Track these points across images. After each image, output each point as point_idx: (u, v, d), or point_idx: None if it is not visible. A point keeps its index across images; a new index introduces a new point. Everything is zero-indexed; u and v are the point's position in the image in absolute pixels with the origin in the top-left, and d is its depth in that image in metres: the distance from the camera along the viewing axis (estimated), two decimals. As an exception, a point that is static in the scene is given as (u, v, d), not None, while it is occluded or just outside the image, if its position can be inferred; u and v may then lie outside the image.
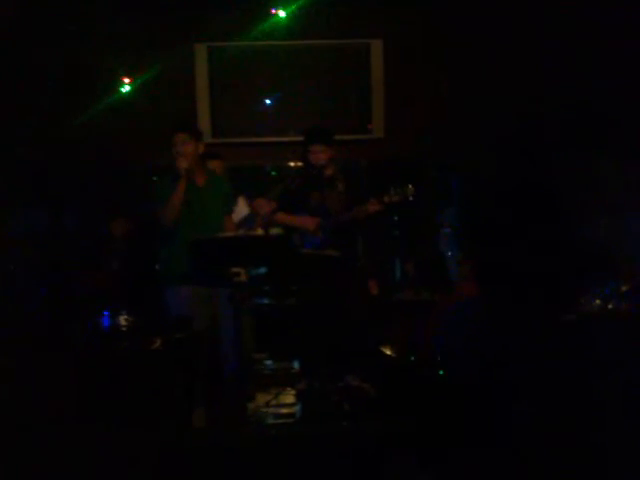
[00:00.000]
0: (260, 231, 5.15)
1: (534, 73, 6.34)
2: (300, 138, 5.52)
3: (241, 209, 5.77)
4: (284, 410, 4.46)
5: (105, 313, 4.69)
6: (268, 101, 6.98)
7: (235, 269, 4.88)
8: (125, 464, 3.83)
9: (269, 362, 5.12)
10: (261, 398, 4.57)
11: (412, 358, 4.61)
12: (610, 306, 4.53)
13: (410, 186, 5.15)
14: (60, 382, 4.27)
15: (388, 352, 5.13)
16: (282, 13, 6.68)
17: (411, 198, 5.15)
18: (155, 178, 4.94)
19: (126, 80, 6.70)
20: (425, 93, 6.87)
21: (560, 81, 6.18)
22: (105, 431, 4.02)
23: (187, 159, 4.77)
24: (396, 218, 5.49)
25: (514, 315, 2.71)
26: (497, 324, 2.65)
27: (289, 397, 4.62)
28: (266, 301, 5.85)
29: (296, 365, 5.03)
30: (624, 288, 4.73)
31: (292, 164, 6.49)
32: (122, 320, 4.66)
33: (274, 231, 5.43)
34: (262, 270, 5.58)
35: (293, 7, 6.68)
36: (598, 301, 4.48)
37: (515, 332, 2.72)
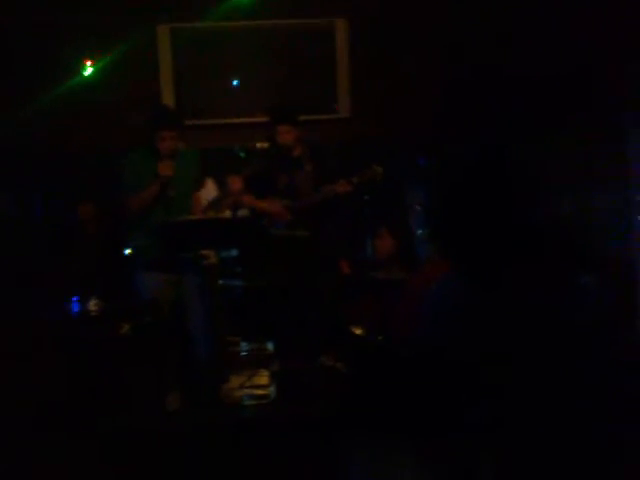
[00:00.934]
0: (228, 213, 5.12)
1: (501, 49, 6.35)
2: (266, 118, 5.49)
3: (210, 191, 5.74)
4: (258, 392, 4.46)
5: (74, 298, 4.66)
6: (234, 82, 6.92)
7: (205, 251, 4.87)
8: (98, 449, 3.80)
9: (243, 344, 5.10)
10: (235, 380, 4.56)
11: (380, 337, 4.62)
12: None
13: (378, 167, 5.17)
14: (29, 368, 4.23)
15: (358, 332, 5.14)
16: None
17: (380, 178, 5.17)
18: (126, 159, 4.87)
19: (88, 63, 6.59)
20: (391, 72, 6.84)
21: (529, 55, 6.19)
22: (78, 416, 3.99)
23: (171, 168, 4.70)
24: (366, 197, 5.50)
25: (489, 293, 2.70)
26: (475, 302, 2.64)
27: (263, 378, 4.61)
28: (237, 283, 5.83)
29: (270, 346, 5.03)
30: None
31: (259, 145, 6.46)
32: (92, 305, 4.63)
33: (242, 213, 5.41)
34: (233, 252, 5.56)
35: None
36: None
37: (491, 311, 2.71)
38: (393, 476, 2.40)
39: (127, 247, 5.51)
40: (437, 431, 2.60)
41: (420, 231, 5.59)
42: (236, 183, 5.25)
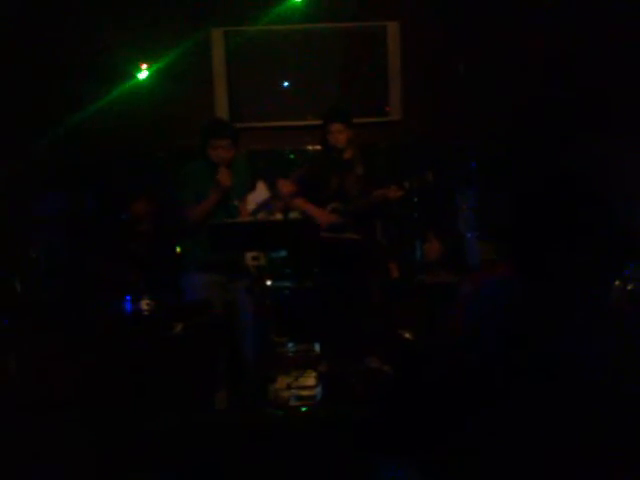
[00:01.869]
0: (279, 215, 5.17)
1: (554, 53, 6.30)
2: (318, 122, 5.52)
3: (260, 193, 5.78)
4: (305, 392, 4.49)
5: (127, 298, 4.73)
6: (286, 84, 6.99)
7: (254, 253, 4.93)
8: (148, 447, 3.87)
9: (290, 344, 5.14)
10: (282, 380, 4.60)
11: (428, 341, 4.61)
12: (630, 287, 4.48)
13: (430, 172, 5.16)
14: (82, 366, 4.32)
15: (407, 335, 5.15)
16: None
17: (431, 184, 5.16)
18: (184, 168, 4.96)
19: (143, 66, 6.71)
20: (443, 74, 6.83)
21: (581, 61, 6.14)
22: (128, 414, 4.06)
23: (230, 177, 4.77)
24: (416, 199, 5.50)
25: (552, 295, 2.70)
26: (534, 304, 2.64)
27: (310, 379, 4.65)
28: (286, 284, 5.88)
29: (317, 347, 5.06)
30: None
31: (311, 148, 6.50)
32: (144, 305, 4.69)
33: (293, 215, 5.44)
34: (282, 253, 5.62)
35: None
36: (618, 282, 4.43)
37: (553, 312, 2.71)
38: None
39: (177, 247, 5.60)
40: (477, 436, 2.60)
41: (469, 234, 5.56)
42: (287, 187, 5.28)
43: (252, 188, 5.65)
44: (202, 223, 4.74)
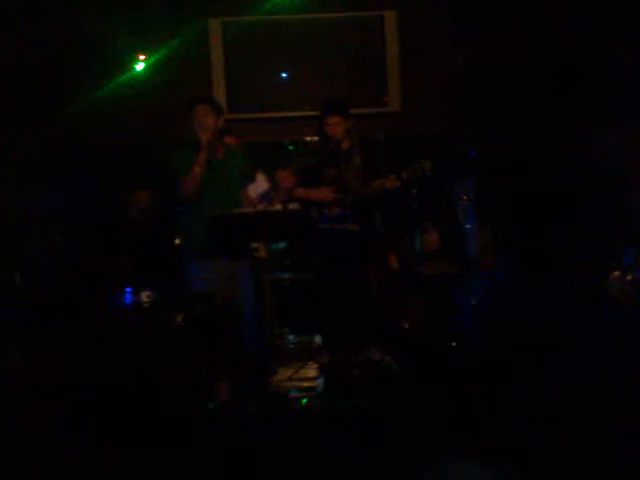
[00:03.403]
0: (279, 206, 5.16)
1: (551, 43, 6.30)
2: (316, 112, 5.51)
3: (260, 184, 5.77)
4: (306, 384, 4.50)
5: (127, 290, 4.73)
6: (283, 75, 6.97)
7: (254, 244, 4.93)
8: (150, 438, 3.88)
9: (291, 336, 5.16)
10: (284, 372, 4.62)
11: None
12: (629, 277, 4.49)
13: (428, 161, 5.15)
14: (83, 359, 4.32)
15: (407, 326, 5.15)
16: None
17: (429, 173, 5.16)
18: (175, 150, 4.95)
19: (141, 57, 6.69)
20: (441, 64, 6.82)
21: (580, 50, 6.14)
22: (130, 407, 4.07)
23: (208, 131, 4.77)
24: (415, 191, 5.50)
25: (541, 285, 2.71)
26: (531, 294, 2.66)
27: (311, 371, 4.66)
28: (286, 275, 5.88)
29: (318, 339, 5.07)
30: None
31: (308, 139, 6.48)
32: (144, 297, 4.69)
33: (292, 206, 5.44)
34: (282, 245, 5.61)
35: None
36: (617, 272, 4.45)
37: (545, 302, 2.72)
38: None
39: (178, 237, 5.58)
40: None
41: (469, 225, 5.56)
42: (287, 179, 5.27)
43: (252, 179, 5.64)
44: (196, 194, 4.73)
